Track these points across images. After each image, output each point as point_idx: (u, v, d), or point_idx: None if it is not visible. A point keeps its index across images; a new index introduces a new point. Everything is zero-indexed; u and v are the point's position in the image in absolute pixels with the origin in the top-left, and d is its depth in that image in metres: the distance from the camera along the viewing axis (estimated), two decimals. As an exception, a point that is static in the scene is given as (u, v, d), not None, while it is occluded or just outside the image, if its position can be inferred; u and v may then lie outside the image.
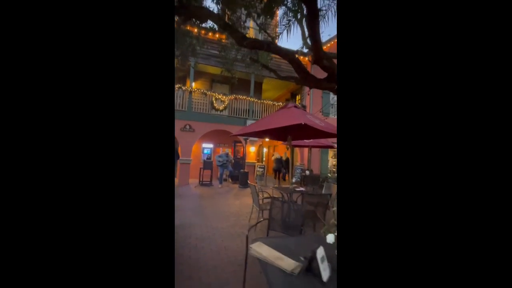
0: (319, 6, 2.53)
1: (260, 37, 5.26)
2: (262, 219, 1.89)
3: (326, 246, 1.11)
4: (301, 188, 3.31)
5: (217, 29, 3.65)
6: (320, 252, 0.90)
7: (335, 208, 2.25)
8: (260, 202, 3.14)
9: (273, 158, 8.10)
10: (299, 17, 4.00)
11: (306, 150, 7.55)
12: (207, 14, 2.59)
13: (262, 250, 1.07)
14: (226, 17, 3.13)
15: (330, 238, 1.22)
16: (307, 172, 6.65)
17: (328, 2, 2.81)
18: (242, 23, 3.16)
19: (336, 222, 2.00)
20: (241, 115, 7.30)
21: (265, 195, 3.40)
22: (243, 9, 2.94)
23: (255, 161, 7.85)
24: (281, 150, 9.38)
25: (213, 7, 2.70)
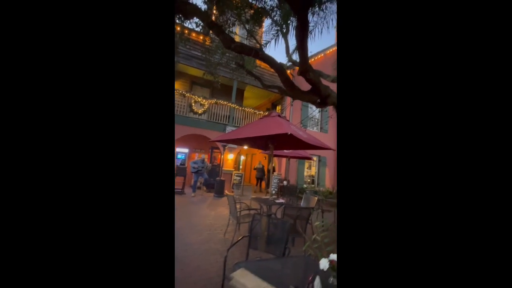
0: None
1: (247, 43, 5.25)
2: (241, 237, 1.70)
3: (319, 271, 0.99)
4: (281, 200, 3.21)
5: (201, 30, 3.49)
6: (317, 284, 0.78)
7: (317, 223, 2.18)
8: (238, 214, 2.94)
9: (255, 168, 8.09)
10: (284, 31, 4.10)
11: (284, 160, 7.61)
12: (193, 10, 2.43)
13: (247, 280, 0.90)
14: (214, 18, 3.01)
15: (324, 263, 1.11)
16: (285, 183, 6.66)
17: (315, 19, 2.91)
18: (230, 25, 3.07)
19: (318, 238, 1.92)
20: (221, 120, 7.07)
21: (243, 205, 3.21)
22: (231, 12, 2.87)
23: (233, 169, 7.61)
24: (259, 159, 9.32)
25: (201, 6, 2.56)
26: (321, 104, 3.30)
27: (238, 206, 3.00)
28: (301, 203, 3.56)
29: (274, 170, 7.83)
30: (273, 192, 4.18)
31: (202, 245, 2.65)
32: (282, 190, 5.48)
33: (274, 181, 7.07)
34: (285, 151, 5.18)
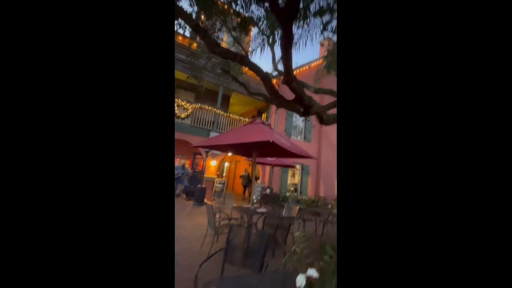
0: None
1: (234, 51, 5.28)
2: (216, 251, 1.58)
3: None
4: (262, 209, 3.13)
5: (188, 32, 3.42)
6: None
7: (298, 233, 2.13)
8: (217, 223, 2.79)
9: (241, 175, 8.06)
10: (271, 41, 4.19)
11: (267, 168, 7.59)
12: (178, 12, 2.36)
13: (215, 304, 0.80)
14: (200, 22, 2.97)
15: (300, 280, 1.04)
16: (268, 191, 6.60)
17: (300, 31, 3.00)
18: (216, 30, 3.04)
19: (298, 250, 1.87)
20: (205, 125, 6.90)
21: (223, 215, 3.07)
22: (217, 17, 2.86)
23: (215, 176, 7.39)
24: (243, 166, 9.20)
25: (187, 9, 2.51)
26: (304, 113, 3.36)
27: (217, 215, 2.86)
28: (283, 212, 3.52)
29: (257, 178, 7.75)
30: (255, 200, 4.09)
31: (177, 257, 2.45)
32: (265, 199, 5.41)
33: (257, 189, 6.98)
34: (268, 158, 5.17)
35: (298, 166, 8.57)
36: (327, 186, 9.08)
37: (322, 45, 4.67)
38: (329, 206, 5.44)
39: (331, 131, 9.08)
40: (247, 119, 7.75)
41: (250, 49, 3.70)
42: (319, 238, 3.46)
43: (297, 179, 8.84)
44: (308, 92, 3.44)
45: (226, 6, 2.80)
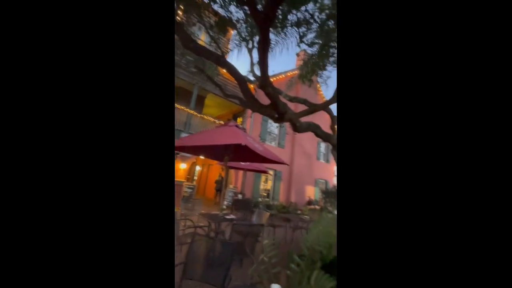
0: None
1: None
2: (175, 265, 1.41)
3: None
4: (232, 216, 3.00)
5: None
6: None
7: (266, 241, 2.06)
8: (181, 232, 2.55)
9: (216, 180, 7.87)
10: (250, 46, 4.19)
11: (241, 173, 7.48)
12: None
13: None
14: (175, 15, 2.79)
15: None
16: (240, 196, 6.46)
17: (277, 38, 3.06)
18: (191, 24, 2.89)
19: (266, 259, 1.79)
20: (176, 126, 6.49)
21: (189, 223, 2.84)
22: (194, 12, 2.72)
23: (184, 180, 6.95)
24: (216, 170, 8.90)
25: None
26: (279, 119, 3.39)
27: (182, 223, 2.63)
28: (253, 219, 3.43)
29: (228, 183, 7.56)
30: (224, 207, 3.93)
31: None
32: (236, 204, 5.26)
33: (229, 195, 6.78)
34: (242, 163, 5.07)
35: (271, 172, 8.66)
36: (298, 192, 9.36)
37: (298, 55, 4.87)
38: (299, 212, 5.56)
39: (304, 138, 9.48)
40: (221, 122, 7.57)
41: (228, 49, 3.62)
42: (288, 245, 3.45)
43: (269, 185, 8.91)
44: (283, 100, 3.50)
45: (203, 1, 2.69)
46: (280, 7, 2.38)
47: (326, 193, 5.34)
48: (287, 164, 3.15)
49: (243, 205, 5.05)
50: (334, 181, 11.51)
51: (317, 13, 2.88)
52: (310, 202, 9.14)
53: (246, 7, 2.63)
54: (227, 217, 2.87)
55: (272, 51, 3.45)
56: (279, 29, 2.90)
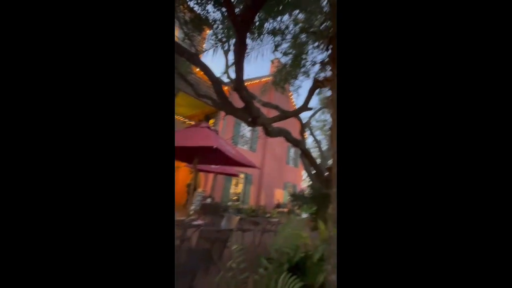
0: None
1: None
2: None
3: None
4: (199, 221, 2.86)
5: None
6: None
7: (235, 246, 2.02)
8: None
9: (188, 184, 7.39)
10: (226, 49, 4.16)
11: (211, 176, 7.24)
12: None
13: None
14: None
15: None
16: (208, 200, 6.24)
17: (254, 43, 3.11)
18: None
19: (234, 265, 1.75)
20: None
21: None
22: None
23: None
24: (183, 173, 8.41)
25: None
26: (252, 123, 3.42)
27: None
28: (222, 224, 3.34)
29: (197, 187, 7.24)
30: (192, 212, 3.72)
31: None
32: (205, 209, 5.05)
33: (197, 199, 6.47)
34: (212, 166, 4.92)
35: (242, 175, 8.63)
36: (268, 196, 9.54)
37: (272, 62, 5.04)
38: (268, 215, 5.65)
39: (276, 143, 9.77)
40: (192, 123, 7.24)
41: (202, 48, 3.51)
42: (257, 248, 3.46)
43: (240, 188, 8.85)
44: (257, 104, 3.55)
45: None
46: (259, 13, 2.43)
47: (294, 196, 5.57)
48: (259, 168, 3.19)
49: (212, 209, 4.88)
50: (302, 184, 12.12)
51: (291, 25, 3.05)
52: (278, 205, 9.40)
53: (223, 9, 2.61)
54: (194, 222, 2.72)
55: (248, 55, 3.49)
56: (256, 35, 2.95)
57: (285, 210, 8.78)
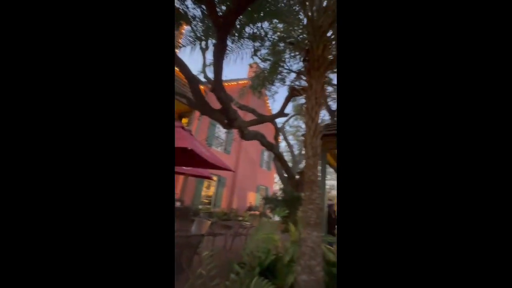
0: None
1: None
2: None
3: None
4: (168, 227, 2.67)
5: None
6: None
7: (206, 252, 1.95)
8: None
9: None
10: (204, 46, 4.05)
11: (181, 178, 6.87)
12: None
13: None
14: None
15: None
16: (178, 204, 5.89)
17: (233, 46, 3.10)
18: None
19: (204, 272, 1.68)
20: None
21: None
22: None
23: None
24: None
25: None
26: (228, 125, 3.39)
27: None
28: (192, 229, 3.19)
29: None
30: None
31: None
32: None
33: (165, 202, 6.03)
34: (184, 168, 4.68)
35: (215, 178, 8.41)
36: (241, 199, 9.49)
37: (251, 66, 5.10)
38: (240, 218, 5.61)
39: (250, 146, 9.82)
40: (164, 121, 6.78)
41: (179, 44, 3.35)
42: (228, 253, 3.39)
43: (212, 191, 8.60)
44: (234, 107, 3.54)
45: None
46: (240, 17, 2.44)
47: (266, 199, 5.68)
48: (233, 171, 3.16)
49: (182, 213, 4.62)
50: (274, 187, 12.40)
51: (270, 33, 3.14)
52: (250, 208, 9.42)
53: (203, 7, 2.54)
54: (162, 228, 2.53)
55: (227, 57, 3.46)
56: (236, 37, 2.96)
57: (257, 213, 8.85)
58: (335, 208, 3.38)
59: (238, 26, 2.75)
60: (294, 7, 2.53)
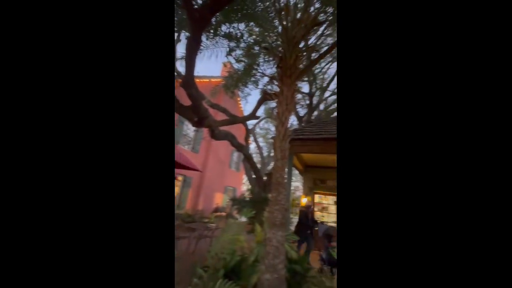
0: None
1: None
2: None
3: None
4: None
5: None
6: None
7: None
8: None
9: None
10: (175, 38, 3.82)
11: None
12: None
13: None
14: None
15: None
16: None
17: (208, 42, 3.02)
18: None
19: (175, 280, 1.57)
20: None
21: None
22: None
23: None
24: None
25: None
26: (198, 123, 3.26)
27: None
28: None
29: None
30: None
31: None
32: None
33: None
34: (145, 166, 4.28)
35: (180, 178, 7.95)
36: (207, 200, 9.19)
37: (225, 65, 5.02)
38: (206, 220, 5.43)
39: (220, 145, 9.62)
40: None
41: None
42: (191, 256, 3.24)
43: (177, 192, 8.09)
44: (205, 105, 3.43)
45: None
46: (217, 15, 2.39)
47: (233, 200, 5.64)
48: (200, 171, 3.04)
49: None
50: (242, 188, 12.41)
51: (246, 35, 3.17)
52: (217, 209, 9.22)
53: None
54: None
55: (200, 52, 3.34)
56: (212, 34, 2.88)
57: (223, 214, 8.70)
58: (311, 214, 3.48)
59: (214, 23, 2.68)
60: (270, 14, 2.62)
